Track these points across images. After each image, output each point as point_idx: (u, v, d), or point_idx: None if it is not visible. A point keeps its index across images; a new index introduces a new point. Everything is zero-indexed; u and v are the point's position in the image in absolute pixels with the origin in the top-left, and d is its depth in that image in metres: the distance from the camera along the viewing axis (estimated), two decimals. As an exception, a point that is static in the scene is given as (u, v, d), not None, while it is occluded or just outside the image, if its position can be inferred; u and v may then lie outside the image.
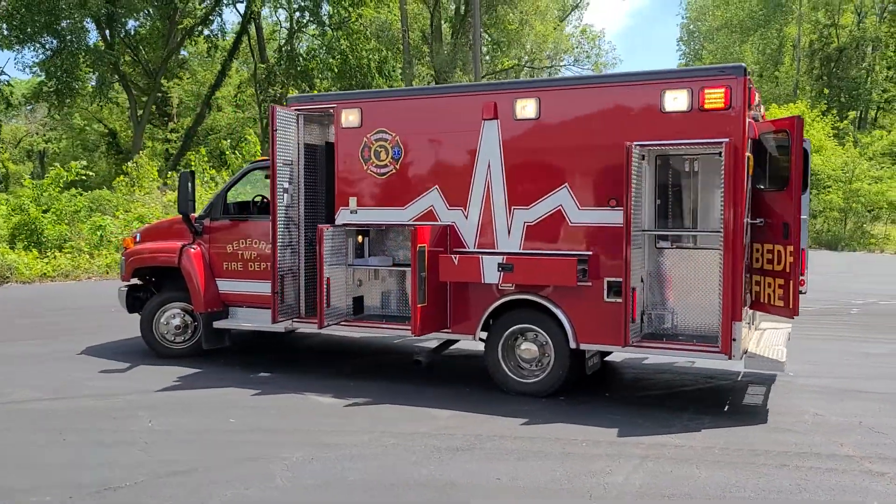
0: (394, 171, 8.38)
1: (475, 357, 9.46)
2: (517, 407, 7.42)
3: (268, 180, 10.23)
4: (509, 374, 7.94)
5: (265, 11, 43.95)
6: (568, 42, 49.27)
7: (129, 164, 27.30)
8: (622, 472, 5.67)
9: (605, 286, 7.47)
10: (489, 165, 7.91)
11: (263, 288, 9.16)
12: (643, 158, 7.37)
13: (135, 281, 10.28)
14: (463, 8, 35.59)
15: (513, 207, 7.83)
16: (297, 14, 43.30)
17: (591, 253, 7.50)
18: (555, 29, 46.81)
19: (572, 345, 7.60)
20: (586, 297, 7.53)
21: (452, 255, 7.81)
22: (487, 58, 39.06)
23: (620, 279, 7.29)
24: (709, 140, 6.98)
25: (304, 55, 38.63)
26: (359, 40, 38.32)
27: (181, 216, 9.54)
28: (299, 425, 6.96)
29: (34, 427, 6.90)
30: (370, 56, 38.05)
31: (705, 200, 7.55)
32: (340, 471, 5.71)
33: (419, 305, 7.72)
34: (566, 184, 7.60)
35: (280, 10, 44.93)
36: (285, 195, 8.74)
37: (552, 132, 7.66)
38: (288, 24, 44.48)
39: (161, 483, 5.48)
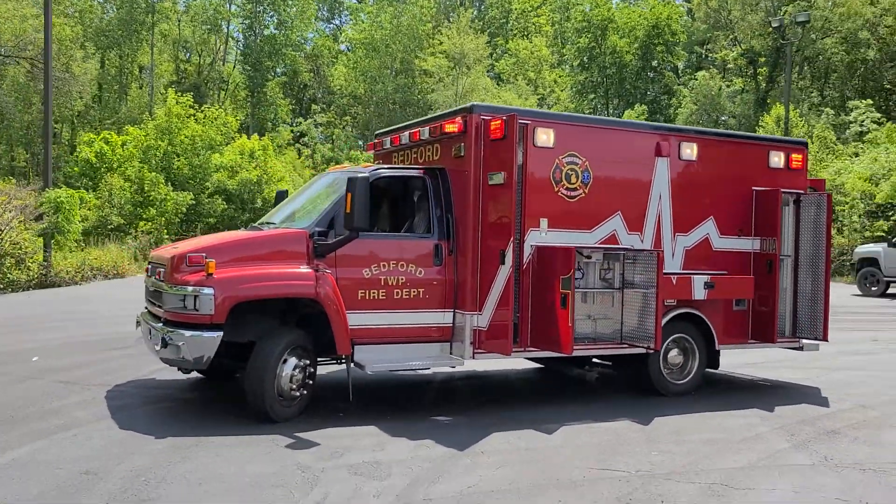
0: (583, 194, 8.55)
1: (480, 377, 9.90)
2: (699, 404, 8.84)
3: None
4: (667, 378, 9.13)
5: None
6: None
7: None
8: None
9: (734, 298, 9.47)
10: (660, 196, 9.01)
11: (413, 319, 8.01)
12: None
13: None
14: None
15: (676, 234, 9.11)
16: None
17: (726, 272, 9.40)
18: None
19: (717, 347, 9.34)
20: (721, 309, 9.38)
21: (672, 276, 8.65)
22: None
23: (746, 293, 9.50)
24: (798, 191, 9.81)
25: None
26: None
27: (353, 232, 7.29)
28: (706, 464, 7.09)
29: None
30: None
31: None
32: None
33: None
34: (712, 216, 9.34)
35: None
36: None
37: (703, 173, 9.31)
38: None
39: None
